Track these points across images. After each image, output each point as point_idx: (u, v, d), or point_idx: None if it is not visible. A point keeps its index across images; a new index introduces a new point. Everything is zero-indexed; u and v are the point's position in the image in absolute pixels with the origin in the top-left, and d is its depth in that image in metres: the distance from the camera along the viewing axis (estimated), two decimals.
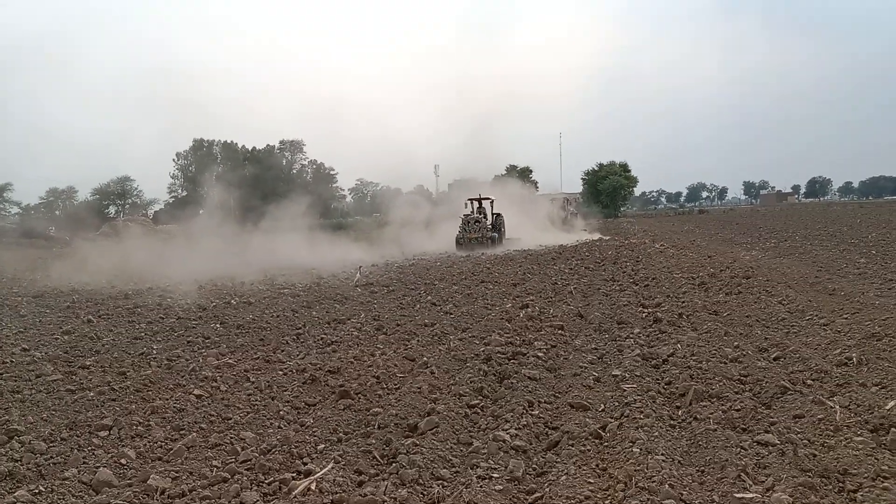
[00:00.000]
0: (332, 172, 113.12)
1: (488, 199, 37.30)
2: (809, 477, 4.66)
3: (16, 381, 8.42)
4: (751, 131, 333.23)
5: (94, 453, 5.87)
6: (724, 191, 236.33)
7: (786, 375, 7.14)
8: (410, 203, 42.74)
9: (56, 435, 6.29)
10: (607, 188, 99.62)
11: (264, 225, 38.11)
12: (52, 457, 5.76)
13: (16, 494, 4.77)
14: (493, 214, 36.25)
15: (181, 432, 6.37)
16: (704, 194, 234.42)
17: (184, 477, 5.29)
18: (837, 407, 5.87)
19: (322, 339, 10.63)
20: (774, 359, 8.02)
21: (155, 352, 9.99)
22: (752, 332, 9.72)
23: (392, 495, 4.67)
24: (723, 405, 6.35)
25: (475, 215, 35.17)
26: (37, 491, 4.83)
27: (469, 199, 37.82)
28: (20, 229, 57.56)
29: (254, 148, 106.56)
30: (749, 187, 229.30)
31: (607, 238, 38.97)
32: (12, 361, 9.54)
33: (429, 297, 15.07)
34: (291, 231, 37.20)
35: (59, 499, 4.76)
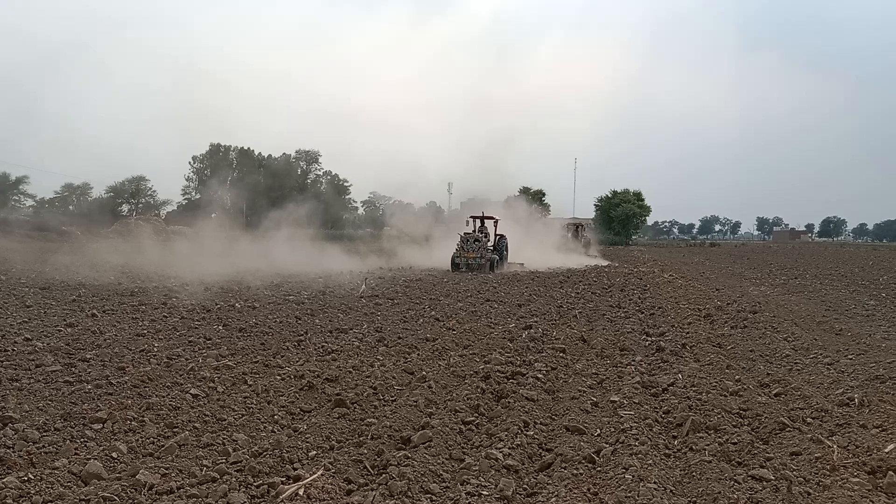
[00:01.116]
0: (345, 184, 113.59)
1: (492, 218, 33.92)
2: None
3: (15, 369, 8.46)
4: (766, 168, 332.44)
5: (86, 445, 5.87)
6: (737, 225, 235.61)
7: (786, 412, 7.07)
8: (412, 217, 39.75)
9: (50, 425, 6.31)
10: (620, 216, 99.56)
11: (274, 232, 38.27)
12: (44, 446, 5.77)
13: (5, 480, 4.77)
14: (495, 235, 33.35)
15: (174, 430, 6.36)
16: (717, 227, 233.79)
17: (173, 474, 5.27)
18: (836, 447, 5.79)
19: (323, 346, 10.63)
20: (775, 395, 7.94)
21: (156, 349, 10.01)
22: (755, 367, 9.64)
23: None
24: (720, 437, 6.28)
25: (475, 234, 31.59)
26: (26, 478, 4.83)
27: (471, 217, 34.52)
28: (33, 222, 57.97)
29: (269, 155, 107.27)
30: (762, 223, 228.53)
31: (616, 265, 38.87)
32: (14, 350, 9.60)
33: (433, 313, 15.05)
34: (300, 239, 37.38)
35: (48, 487, 4.75)
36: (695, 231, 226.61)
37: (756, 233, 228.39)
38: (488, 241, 32.04)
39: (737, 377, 8.62)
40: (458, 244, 31.09)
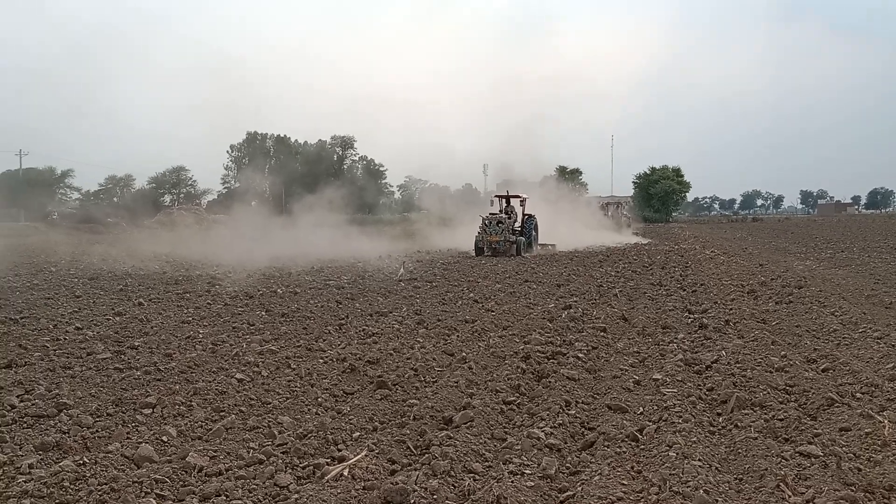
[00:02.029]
0: (381, 169, 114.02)
1: (518, 196, 31.01)
2: (852, 491, 4.51)
3: (68, 357, 8.73)
4: (809, 139, 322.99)
5: (137, 429, 6.03)
6: (779, 199, 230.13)
7: (834, 387, 6.93)
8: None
9: (103, 410, 6.50)
10: (659, 192, 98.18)
11: (313, 218, 38.64)
12: (97, 430, 5.95)
13: (62, 464, 4.94)
14: (523, 215, 30.38)
15: (221, 414, 6.50)
16: (759, 202, 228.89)
17: (221, 456, 5.40)
18: (887, 422, 5.66)
19: (364, 330, 10.73)
20: (823, 370, 7.78)
21: (201, 336, 10.23)
22: (801, 343, 9.46)
23: (423, 485, 4.68)
24: (765, 414, 6.19)
25: (499, 215, 29.09)
26: (81, 462, 4.99)
27: (496, 196, 32.10)
28: (79, 214, 59.46)
29: (305, 142, 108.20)
30: (806, 196, 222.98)
31: (656, 243, 38.39)
32: (66, 339, 9.90)
33: (471, 294, 15.07)
34: (336, 225, 37.74)
35: (102, 470, 4.90)
36: (736, 206, 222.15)
37: (800, 206, 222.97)
38: (515, 221, 29.49)
39: (782, 353, 8.47)
40: (479, 226, 28.63)
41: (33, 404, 6.54)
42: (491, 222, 28.27)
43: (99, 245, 33.22)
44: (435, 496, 4.60)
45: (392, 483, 4.64)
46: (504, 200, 31.04)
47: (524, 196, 31.23)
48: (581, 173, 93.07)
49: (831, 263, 21.79)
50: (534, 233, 30.36)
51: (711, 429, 6.01)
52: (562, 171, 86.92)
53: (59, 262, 24.88)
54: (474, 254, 28.08)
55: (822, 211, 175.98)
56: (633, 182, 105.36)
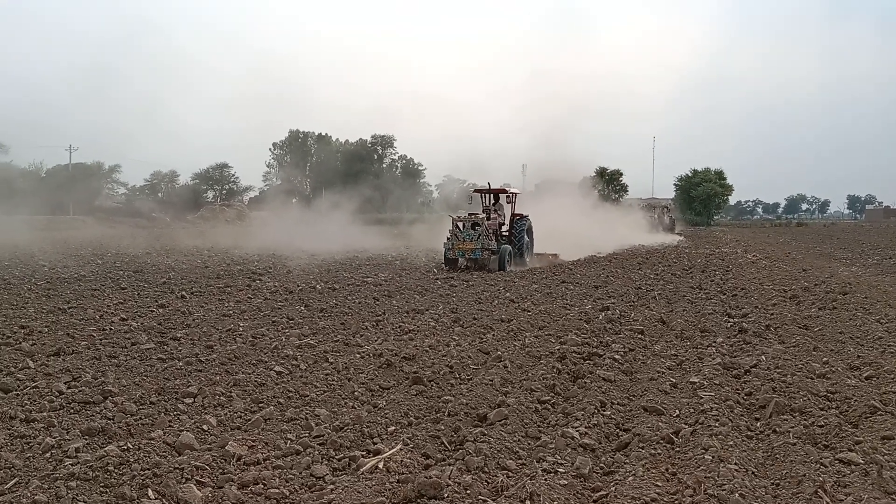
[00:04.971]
0: (420, 168, 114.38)
1: (504, 191, 24.08)
2: (893, 499, 4.43)
3: (113, 347, 8.98)
4: (857, 143, 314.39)
5: (178, 418, 6.19)
6: (825, 204, 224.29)
7: (877, 395, 6.78)
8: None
9: (146, 398, 6.69)
10: (701, 195, 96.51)
11: (353, 216, 39.17)
12: (141, 418, 6.12)
13: (107, 449, 5.09)
14: (513, 216, 23.52)
15: (260, 405, 6.63)
16: (804, 207, 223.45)
17: (259, 446, 5.52)
18: None
19: (400, 326, 10.82)
20: (866, 377, 7.61)
21: (241, 329, 10.42)
22: (845, 349, 9.26)
23: (457, 480, 4.72)
24: (805, 420, 6.10)
25: (476, 216, 22.08)
26: (126, 447, 5.14)
27: (475, 191, 25.08)
28: (125, 209, 60.89)
29: (346, 140, 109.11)
30: (854, 201, 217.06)
31: (695, 247, 37.84)
32: (111, 329, 10.18)
33: (507, 294, 15.07)
34: (374, 223, 38.21)
35: (145, 456, 5.04)
36: (780, 210, 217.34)
37: (847, 211, 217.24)
38: (500, 224, 23.04)
39: (824, 359, 8.31)
40: (449, 230, 21.90)
41: (80, 391, 6.76)
42: (465, 225, 21.52)
43: (143, 239, 34.00)
44: (468, 491, 4.64)
45: (426, 477, 4.69)
46: (489, 197, 23.86)
47: (514, 190, 24.67)
48: (622, 174, 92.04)
49: (878, 270, 21.24)
50: (527, 238, 23.32)
51: (749, 433, 5.93)
52: (602, 172, 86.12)
53: (105, 254, 25.56)
54: (444, 265, 22.04)
55: (870, 216, 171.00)
56: (675, 184, 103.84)
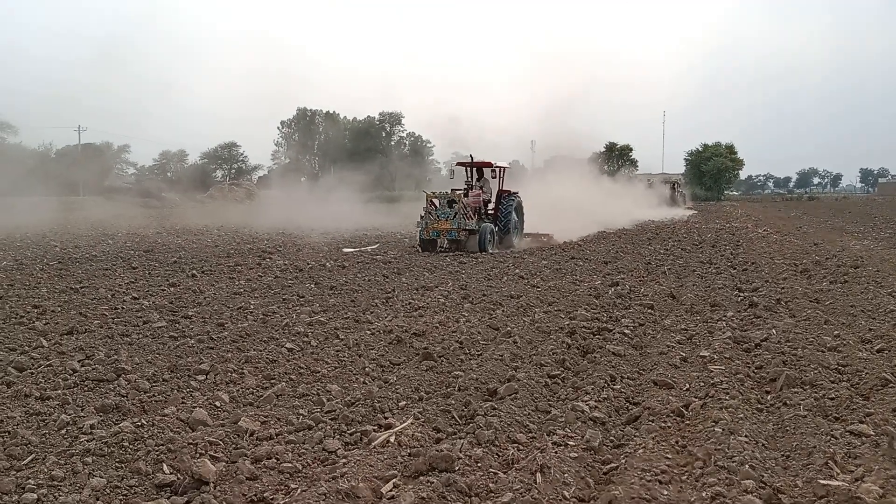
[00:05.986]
0: (428, 145, 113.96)
1: (490, 165, 21.42)
2: None
3: (125, 325, 9.05)
4: (870, 116, 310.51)
5: (191, 394, 6.26)
6: (837, 177, 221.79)
7: (889, 368, 6.75)
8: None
9: (159, 376, 6.75)
10: (711, 170, 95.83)
11: (361, 194, 39.19)
12: (154, 395, 6.18)
13: (121, 425, 5.15)
14: (500, 192, 21.48)
15: (272, 381, 6.68)
16: (816, 180, 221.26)
17: (272, 422, 5.57)
18: None
19: (410, 303, 10.85)
20: (878, 350, 7.59)
21: (252, 307, 10.48)
22: (856, 323, 9.22)
23: (468, 453, 4.75)
24: (816, 393, 6.09)
25: (453, 192, 20.17)
26: (139, 424, 5.20)
27: (458, 164, 22.85)
28: (135, 189, 61.06)
29: (354, 118, 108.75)
30: (866, 175, 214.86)
31: (706, 221, 37.65)
32: (123, 308, 10.26)
33: (517, 270, 15.07)
34: (382, 201, 38.22)
35: (159, 432, 5.10)
36: (791, 185, 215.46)
37: (859, 185, 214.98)
38: (486, 201, 21.06)
39: (835, 333, 8.28)
40: (423, 209, 19.87)
41: (93, 369, 6.82)
42: (441, 203, 19.54)
43: (153, 218, 34.12)
44: (479, 464, 4.67)
45: (437, 451, 4.72)
46: (472, 171, 21.57)
47: (501, 164, 22.11)
48: (631, 150, 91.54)
49: (890, 243, 21.07)
50: (515, 217, 21.26)
51: (759, 406, 5.93)
52: (611, 147, 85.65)
53: (116, 234, 25.70)
54: (419, 248, 19.97)
55: (882, 190, 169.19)
56: (685, 159, 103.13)
